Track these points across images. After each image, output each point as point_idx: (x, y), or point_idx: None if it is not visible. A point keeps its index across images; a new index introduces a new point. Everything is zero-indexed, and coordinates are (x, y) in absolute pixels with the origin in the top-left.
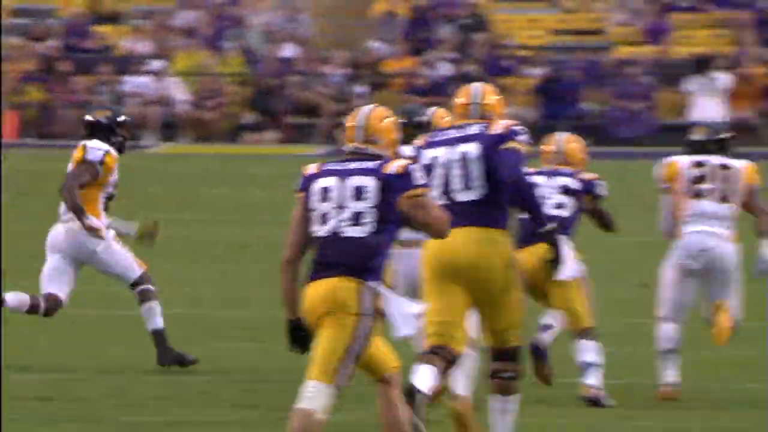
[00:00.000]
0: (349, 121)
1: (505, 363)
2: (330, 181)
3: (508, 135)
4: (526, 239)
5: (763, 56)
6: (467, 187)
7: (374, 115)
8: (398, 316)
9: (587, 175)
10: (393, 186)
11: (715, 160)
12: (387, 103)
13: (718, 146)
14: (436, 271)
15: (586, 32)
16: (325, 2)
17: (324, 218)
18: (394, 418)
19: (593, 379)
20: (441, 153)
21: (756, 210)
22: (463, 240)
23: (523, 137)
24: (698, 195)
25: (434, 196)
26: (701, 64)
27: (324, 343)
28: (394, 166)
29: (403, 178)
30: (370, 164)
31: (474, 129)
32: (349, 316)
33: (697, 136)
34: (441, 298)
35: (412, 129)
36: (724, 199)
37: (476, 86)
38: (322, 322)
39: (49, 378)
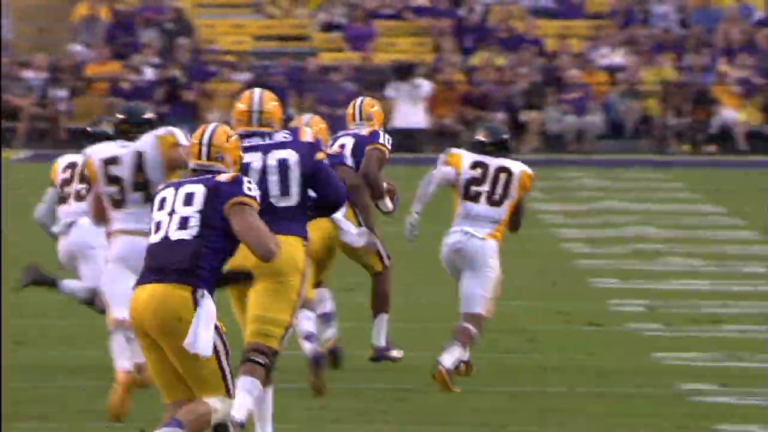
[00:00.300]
0: (194, 139)
1: (259, 354)
2: (167, 193)
3: (318, 144)
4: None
5: (463, 64)
6: (285, 193)
7: (219, 133)
8: (202, 332)
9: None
10: (220, 192)
11: (495, 162)
12: (89, 107)
13: (500, 149)
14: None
15: (290, 38)
16: (25, 5)
17: (158, 226)
18: None
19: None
20: (255, 159)
21: (513, 212)
22: None
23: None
24: (471, 197)
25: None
26: (403, 71)
27: (192, 362)
28: (224, 175)
29: (231, 185)
30: (204, 176)
31: (281, 136)
32: (185, 327)
33: (480, 137)
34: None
35: (135, 127)
36: (494, 203)
37: (256, 93)
38: (165, 339)
39: None
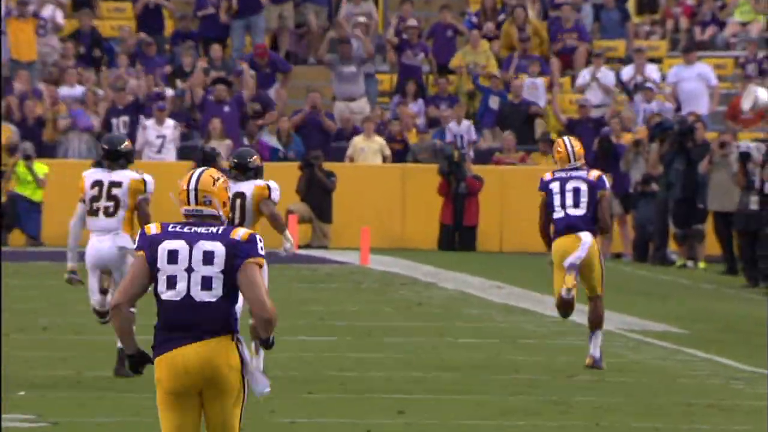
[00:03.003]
0: (182, 185)
1: None
2: (177, 245)
3: (254, 245)
4: None
5: None
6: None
7: (205, 177)
8: (257, 373)
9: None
10: (239, 251)
11: (235, 187)
12: None
13: (243, 172)
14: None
15: None
16: None
17: (172, 281)
18: None
19: None
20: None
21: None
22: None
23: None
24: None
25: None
26: None
27: (230, 410)
28: (240, 233)
29: (249, 245)
30: (216, 229)
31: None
32: (234, 374)
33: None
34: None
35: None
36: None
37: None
38: (213, 389)
39: None
